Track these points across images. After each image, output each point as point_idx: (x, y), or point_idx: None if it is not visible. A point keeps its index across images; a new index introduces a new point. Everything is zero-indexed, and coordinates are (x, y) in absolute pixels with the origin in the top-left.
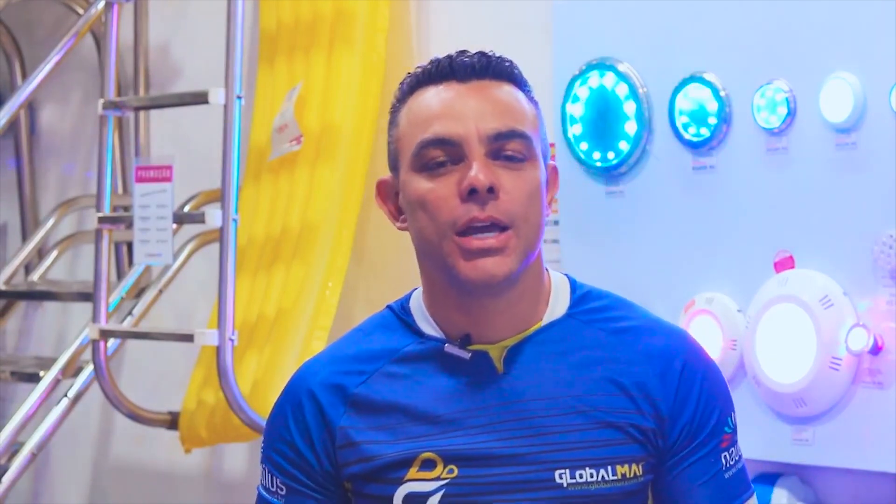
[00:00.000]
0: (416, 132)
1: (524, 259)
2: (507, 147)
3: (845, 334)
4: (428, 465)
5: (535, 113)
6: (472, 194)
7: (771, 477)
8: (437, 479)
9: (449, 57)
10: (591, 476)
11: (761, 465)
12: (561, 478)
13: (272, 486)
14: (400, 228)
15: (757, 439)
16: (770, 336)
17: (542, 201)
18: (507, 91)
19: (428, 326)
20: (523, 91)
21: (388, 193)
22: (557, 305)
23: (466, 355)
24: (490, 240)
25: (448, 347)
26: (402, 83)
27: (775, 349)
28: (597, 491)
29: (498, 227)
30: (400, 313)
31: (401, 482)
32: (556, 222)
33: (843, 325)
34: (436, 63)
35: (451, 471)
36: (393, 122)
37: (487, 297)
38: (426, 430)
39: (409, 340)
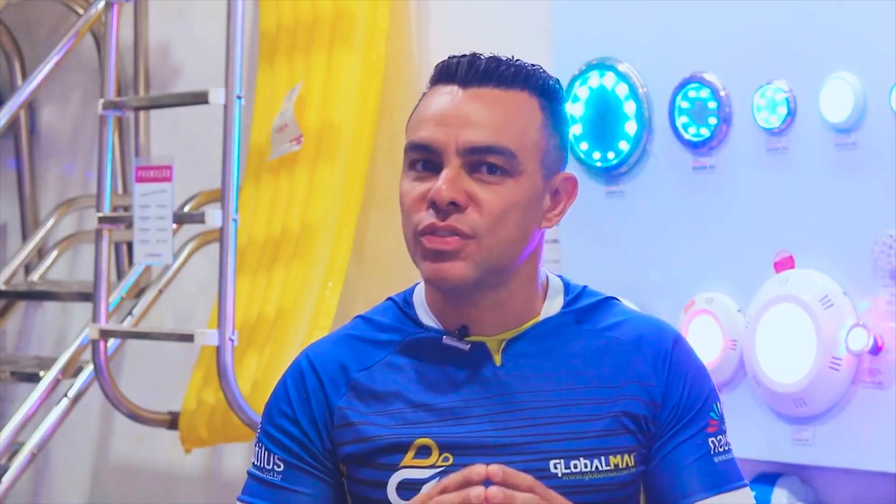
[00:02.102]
0: (410, 131)
1: (487, 268)
2: (486, 160)
3: (845, 334)
4: (423, 452)
5: (540, 124)
6: (434, 205)
7: (771, 477)
8: (433, 466)
9: (461, 57)
10: (585, 466)
11: (761, 465)
12: (555, 468)
13: (268, 465)
14: None
15: (757, 439)
16: (770, 336)
17: (520, 217)
18: (508, 100)
19: (427, 318)
20: (541, 97)
21: None
22: (553, 304)
23: (465, 346)
24: (447, 242)
25: (446, 339)
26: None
27: (775, 349)
28: (590, 481)
29: (458, 234)
30: (402, 305)
31: (396, 468)
32: None
33: (843, 325)
34: (449, 61)
35: (446, 459)
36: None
37: (475, 295)
38: (423, 418)
39: (411, 331)
